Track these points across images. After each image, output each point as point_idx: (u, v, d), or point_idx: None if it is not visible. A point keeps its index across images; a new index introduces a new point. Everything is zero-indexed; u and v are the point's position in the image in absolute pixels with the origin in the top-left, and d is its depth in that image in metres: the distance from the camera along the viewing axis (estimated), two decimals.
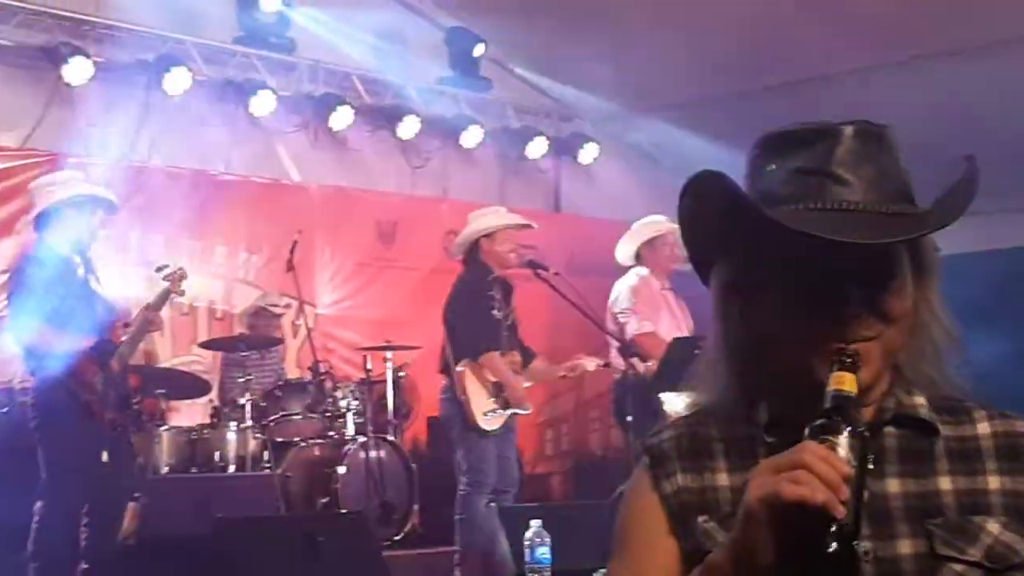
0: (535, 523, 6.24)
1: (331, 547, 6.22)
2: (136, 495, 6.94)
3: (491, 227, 8.09)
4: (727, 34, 10.58)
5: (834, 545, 1.69)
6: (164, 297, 7.25)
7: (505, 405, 7.93)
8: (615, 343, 8.28)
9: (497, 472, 7.94)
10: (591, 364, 8.20)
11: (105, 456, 5.97)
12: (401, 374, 10.23)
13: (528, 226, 8.26)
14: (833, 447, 1.74)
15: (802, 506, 1.69)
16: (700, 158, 12.32)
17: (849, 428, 1.77)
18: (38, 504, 6.53)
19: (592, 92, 12.62)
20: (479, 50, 12.18)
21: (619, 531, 2.05)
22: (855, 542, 1.71)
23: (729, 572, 1.78)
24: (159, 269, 7.41)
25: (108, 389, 6.63)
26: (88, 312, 6.62)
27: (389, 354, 9.98)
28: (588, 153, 12.93)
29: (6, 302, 9.16)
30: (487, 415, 7.89)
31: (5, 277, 9.07)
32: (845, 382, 1.83)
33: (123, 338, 6.96)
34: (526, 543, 6.22)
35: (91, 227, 6.92)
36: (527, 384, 8.15)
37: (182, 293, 7.39)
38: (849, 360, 1.84)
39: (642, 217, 9.53)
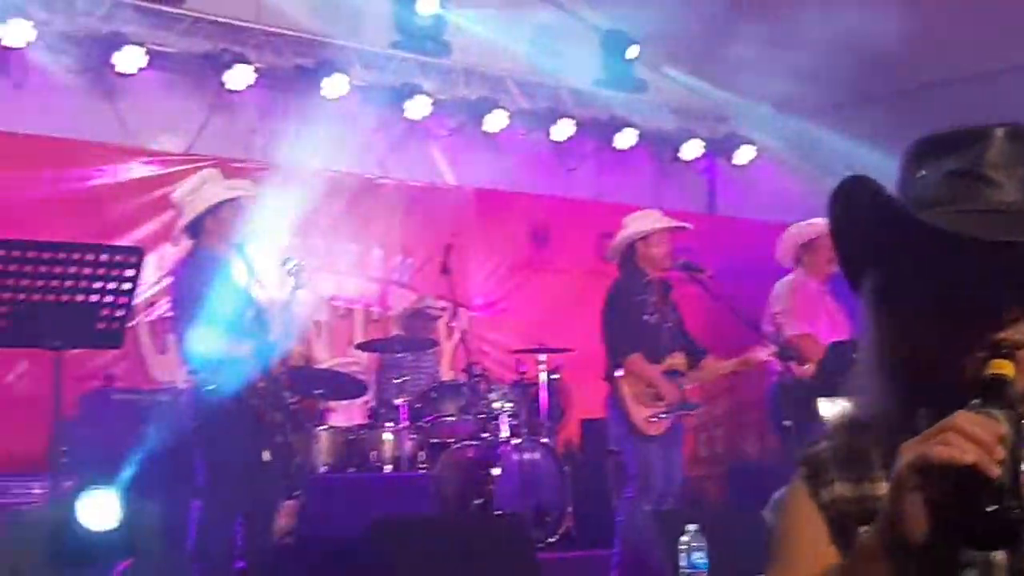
0: (691, 528, 6.18)
1: (487, 548, 6.24)
2: (296, 493, 7.03)
3: (645, 230, 8.03)
4: (886, 30, 10.37)
5: (993, 506, 1.59)
6: (293, 292, 7.25)
7: (669, 407, 7.87)
8: (772, 345, 8.15)
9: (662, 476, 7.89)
10: (764, 353, 8.06)
11: (267, 456, 6.05)
12: (554, 376, 10.22)
13: (682, 228, 8.18)
14: (989, 416, 1.67)
15: (953, 467, 1.61)
16: (857, 159, 12.28)
17: (1007, 408, 1.70)
18: (197, 503, 6.65)
19: (748, 92, 12.48)
20: (633, 52, 12.14)
21: (778, 540, 2.02)
22: (1016, 504, 1.60)
23: (880, 553, 1.71)
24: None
25: (269, 390, 6.72)
26: (249, 314, 6.70)
27: (542, 356, 9.99)
28: (744, 154, 12.81)
29: (170, 306, 9.47)
30: (650, 419, 7.83)
31: (168, 281, 9.40)
32: (1004, 367, 1.76)
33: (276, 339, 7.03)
34: (681, 548, 6.15)
35: (239, 224, 6.94)
36: (687, 385, 8.05)
37: (305, 285, 7.38)
38: (1006, 351, 1.79)
39: (800, 220, 9.41)
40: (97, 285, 5.28)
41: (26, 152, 9.16)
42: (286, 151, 10.44)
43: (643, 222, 8.12)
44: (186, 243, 6.93)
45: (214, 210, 6.78)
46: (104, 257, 5.26)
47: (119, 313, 5.38)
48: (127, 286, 5.34)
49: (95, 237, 8.91)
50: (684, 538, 6.18)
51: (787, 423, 7.88)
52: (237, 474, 6.58)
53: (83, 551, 4.34)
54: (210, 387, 6.71)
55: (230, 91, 10.01)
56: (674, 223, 8.15)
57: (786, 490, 2.07)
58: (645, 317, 7.90)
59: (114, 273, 5.30)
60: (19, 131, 9.19)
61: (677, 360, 7.98)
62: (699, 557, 6.17)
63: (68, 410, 7.59)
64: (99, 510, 4.63)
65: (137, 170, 9.67)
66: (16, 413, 8.71)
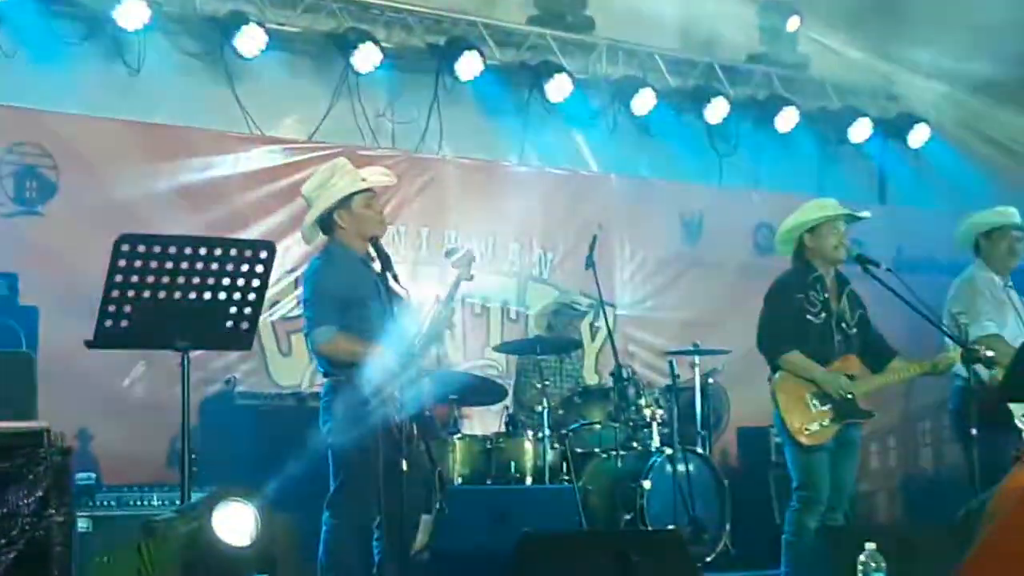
0: (870, 546, 6.09)
1: (646, 568, 6.22)
2: (438, 505, 7.06)
3: (812, 220, 7.93)
4: None
5: None
6: (456, 286, 7.27)
7: (835, 416, 7.74)
8: (959, 345, 7.99)
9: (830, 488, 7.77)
10: (958, 355, 7.90)
11: (404, 465, 6.08)
12: (710, 380, 10.20)
13: (856, 217, 8.05)
14: None
15: None
16: None
17: None
18: (327, 514, 6.72)
19: (924, 68, 12.30)
20: (794, 23, 12.02)
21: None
22: None
23: None
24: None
25: (404, 394, 6.74)
26: (384, 313, 6.72)
27: (697, 359, 9.96)
28: (918, 136, 12.61)
29: (300, 305, 9.59)
30: (807, 430, 7.71)
31: (293, 276, 9.54)
32: None
33: (417, 339, 7.04)
34: (859, 568, 6.07)
35: (374, 214, 6.97)
36: (862, 390, 7.89)
37: (471, 278, 7.38)
38: None
39: (981, 209, 9.24)
40: (226, 282, 5.35)
41: (143, 142, 9.36)
42: (416, 137, 10.56)
43: (810, 211, 8.00)
44: (318, 240, 6.98)
45: (345, 202, 6.82)
46: (234, 252, 5.34)
47: (249, 312, 5.45)
48: (258, 283, 5.41)
49: (215, 231, 9.17)
50: (861, 557, 6.08)
51: (974, 432, 7.73)
52: (371, 483, 6.62)
53: (218, 567, 4.41)
54: (335, 383, 6.78)
55: (357, 73, 10.12)
56: (847, 211, 8.02)
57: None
58: (809, 316, 7.77)
59: (244, 269, 5.37)
60: (135, 120, 9.38)
61: (849, 363, 7.84)
62: None
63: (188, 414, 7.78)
64: (235, 524, 4.70)
65: (259, 159, 9.80)
66: (133, 419, 8.91)
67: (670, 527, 8.66)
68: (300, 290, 9.48)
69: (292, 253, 9.54)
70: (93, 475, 7.85)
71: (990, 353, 7.66)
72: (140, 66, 9.46)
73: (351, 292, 6.72)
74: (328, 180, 6.89)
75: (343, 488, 6.72)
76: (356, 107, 10.31)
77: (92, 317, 5.48)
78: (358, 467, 6.58)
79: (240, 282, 5.39)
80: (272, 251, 5.45)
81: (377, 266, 6.61)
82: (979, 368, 7.72)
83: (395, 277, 6.48)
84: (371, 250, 6.72)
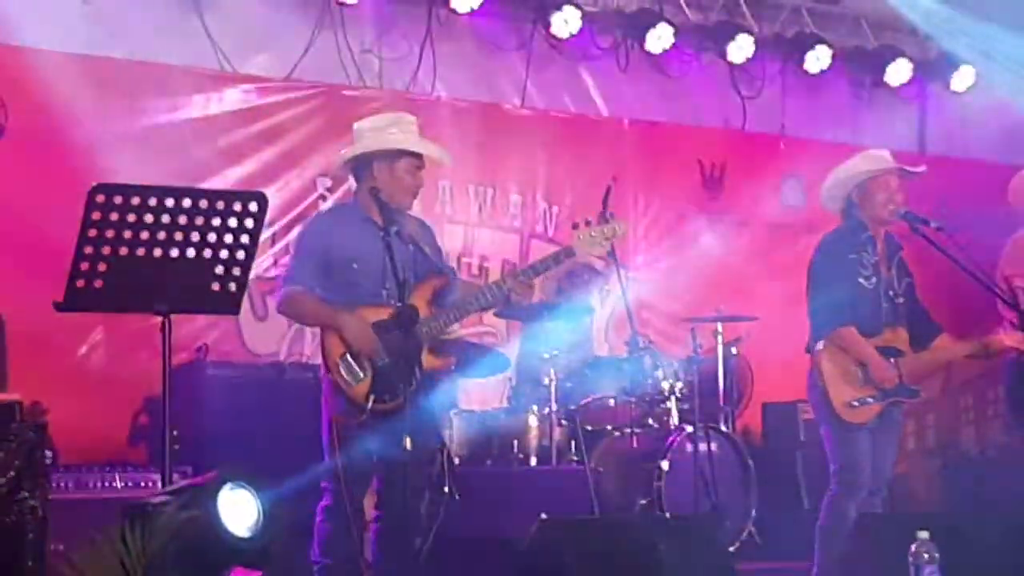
0: (923, 535, 6.07)
1: (672, 557, 6.22)
2: (447, 489, 7.07)
3: (861, 174, 7.90)
4: None
5: None
6: (499, 295, 7.20)
7: (882, 393, 7.74)
8: (1010, 315, 7.98)
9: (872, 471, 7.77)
10: (1012, 339, 7.89)
11: (408, 443, 6.05)
12: (733, 351, 10.17)
13: (909, 173, 8.01)
14: None
15: None
16: None
17: None
18: (323, 503, 6.70)
19: (967, 4, 12.27)
20: None
21: None
22: None
23: None
24: (576, 226, 7.31)
25: (393, 365, 6.71)
26: (382, 277, 6.73)
27: (720, 327, 9.93)
28: (962, 79, 12.59)
29: (275, 261, 9.55)
30: (853, 405, 7.72)
31: (270, 232, 9.49)
32: None
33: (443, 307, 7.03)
34: (911, 560, 6.06)
35: (413, 184, 7.04)
36: (907, 368, 7.88)
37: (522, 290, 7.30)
38: None
39: None
40: (212, 238, 5.29)
41: (100, 78, 9.23)
42: (407, 75, 10.48)
43: (859, 164, 7.96)
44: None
45: (393, 156, 6.86)
46: (221, 204, 5.27)
47: (237, 271, 5.39)
48: (247, 239, 5.36)
49: (181, 179, 9.09)
50: (913, 548, 6.07)
51: None
52: (369, 466, 6.63)
53: (220, 560, 4.36)
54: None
55: (341, 4, 10.04)
56: (903, 166, 7.99)
57: None
58: (861, 280, 7.76)
59: (232, 224, 5.31)
60: (91, 53, 9.27)
61: (898, 336, 7.83)
62: (932, 573, 6.06)
63: (153, 386, 7.75)
64: (238, 512, 4.66)
65: (231, 99, 9.74)
66: (89, 392, 8.85)
67: (688, 513, 8.66)
68: (278, 246, 9.63)
69: (269, 205, 9.49)
70: (49, 453, 7.79)
71: None
72: None
73: (337, 253, 6.80)
74: (387, 126, 7.03)
75: (340, 471, 6.71)
76: (340, 41, 10.20)
77: (48, 275, 5.43)
78: (353, 445, 6.60)
79: (228, 238, 5.33)
80: (264, 203, 5.41)
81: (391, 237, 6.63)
82: None
83: (399, 233, 6.53)
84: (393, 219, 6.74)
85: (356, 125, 7.09)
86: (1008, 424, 8.85)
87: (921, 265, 7.95)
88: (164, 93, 9.49)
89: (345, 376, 6.69)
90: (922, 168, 8.11)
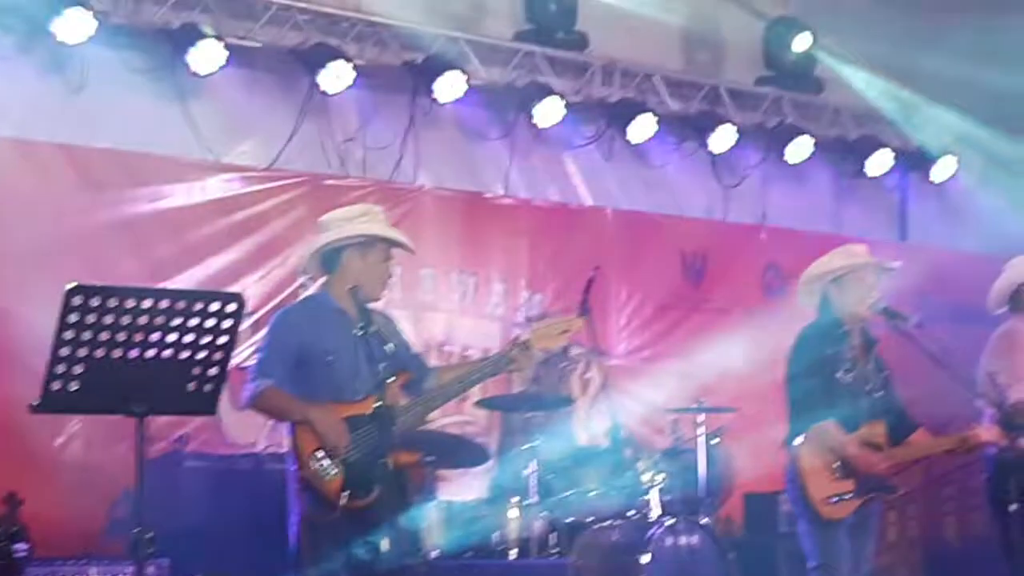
0: None
1: None
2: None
3: (838, 269, 7.91)
4: None
5: None
6: (502, 365, 7.19)
7: (859, 489, 7.71)
8: (991, 411, 7.95)
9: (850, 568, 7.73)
10: (989, 434, 7.87)
11: (386, 545, 6.00)
12: (714, 441, 10.12)
13: (885, 268, 8.03)
14: None
15: None
16: None
17: None
18: None
19: (948, 95, 12.35)
20: (804, 42, 12.02)
21: None
22: None
23: None
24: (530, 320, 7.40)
25: (366, 462, 6.69)
26: (356, 373, 6.71)
27: (701, 417, 9.90)
28: (943, 169, 12.66)
29: (256, 350, 9.49)
30: (831, 501, 7.68)
31: (252, 320, 9.44)
32: None
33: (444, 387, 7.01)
34: None
35: (383, 274, 7.01)
36: (885, 464, 7.86)
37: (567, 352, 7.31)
38: None
39: (1012, 246, 9.22)
40: (189, 339, 5.25)
41: (85, 167, 9.25)
42: (390, 165, 10.49)
43: (835, 260, 7.98)
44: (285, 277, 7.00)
45: (365, 245, 6.84)
46: (199, 306, 5.22)
47: (214, 372, 5.34)
48: (224, 340, 5.30)
49: (164, 268, 9.13)
50: None
51: (1012, 507, 7.70)
52: (341, 567, 6.57)
53: None
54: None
55: (324, 93, 10.04)
56: (879, 261, 8.00)
57: None
58: (838, 375, 7.75)
59: (209, 325, 5.26)
60: (77, 143, 9.27)
61: (876, 430, 7.81)
62: None
63: (130, 477, 7.70)
64: None
65: (214, 188, 9.71)
66: (66, 483, 8.78)
67: None
68: (259, 335, 9.56)
69: (250, 294, 9.51)
70: (26, 546, 7.73)
71: None
72: (82, 83, 9.33)
73: (310, 346, 6.74)
74: (357, 216, 6.97)
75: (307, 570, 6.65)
76: (323, 131, 10.25)
77: (24, 369, 5.38)
78: (323, 548, 6.56)
79: (205, 339, 5.27)
80: (241, 305, 5.34)
81: (360, 325, 6.60)
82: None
83: (382, 339, 6.51)
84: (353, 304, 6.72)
85: (323, 218, 7.04)
86: (989, 517, 8.77)
87: (900, 357, 7.91)
88: (147, 182, 9.46)
89: (318, 472, 6.64)
90: (898, 264, 8.12)
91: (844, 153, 12.56)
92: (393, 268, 7.07)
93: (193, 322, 5.27)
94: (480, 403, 10.05)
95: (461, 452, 9.57)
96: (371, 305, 6.86)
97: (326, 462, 6.61)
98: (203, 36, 9.47)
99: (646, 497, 9.39)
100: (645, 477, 9.42)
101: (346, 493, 6.55)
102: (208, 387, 5.38)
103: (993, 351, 8.42)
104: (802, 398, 7.78)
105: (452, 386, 7.03)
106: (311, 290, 8.80)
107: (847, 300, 7.83)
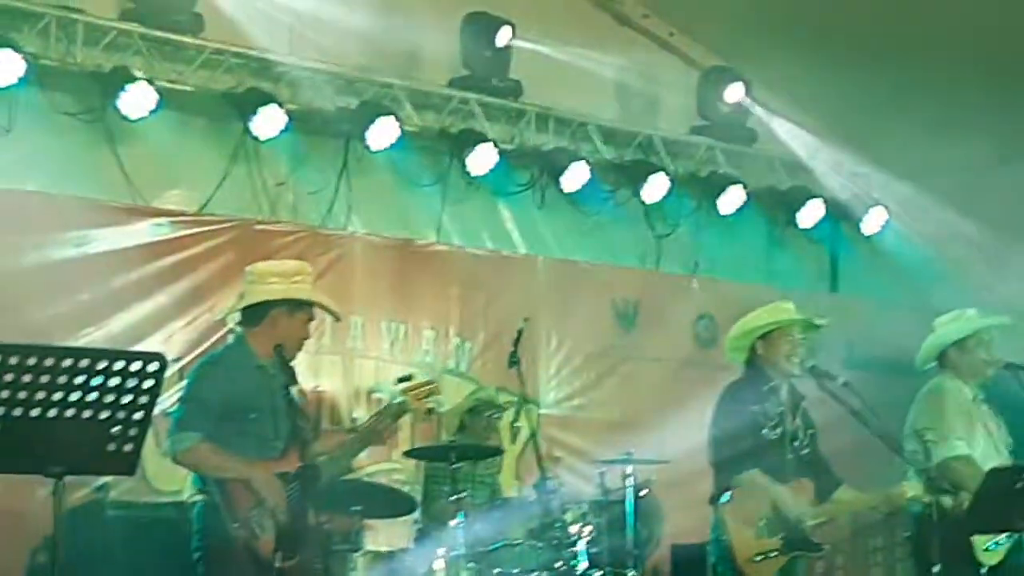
0: None
1: None
2: None
3: (766, 326, 7.93)
4: None
5: None
6: (396, 415, 7.22)
7: (784, 547, 7.70)
8: (918, 471, 7.95)
9: None
10: (913, 490, 7.89)
11: None
12: (643, 493, 10.09)
13: (814, 325, 8.07)
14: None
15: None
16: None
17: None
18: None
19: (881, 148, 12.43)
20: (737, 93, 12.06)
21: None
22: None
23: None
24: (401, 380, 7.40)
25: (269, 521, 6.65)
26: (276, 427, 6.68)
27: (629, 468, 9.86)
28: (875, 220, 12.71)
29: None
30: (756, 560, 7.67)
31: (178, 367, 9.37)
32: None
33: (330, 453, 7.00)
34: None
35: (304, 335, 7.01)
36: (820, 520, 7.88)
37: (428, 412, 7.38)
38: None
39: (944, 302, 9.22)
40: (110, 399, 5.16)
41: (11, 211, 9.10)
42: (322, 210, 10.43)
43: (763, 316, 8.00)
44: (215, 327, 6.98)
45: (289, 305, 6.84)
46: (120, 365, 5.13)
47: (134, 432, 5.24)
48: (145, 400, 5.22)
49: (89, 314, 9.07)
50: None
51: (935, 569, 7.68)
52: None
53: None
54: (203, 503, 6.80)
55: (256, 138, 9.99)
56: (806, 318, 8.02)
57: None
58: (765, 431, 7.76)
59: (130, 385, 5.17)
60: (4, 186, 9.16)
61: (805, 487, 7.82)
62: None
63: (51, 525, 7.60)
64: None
65: (142, 232, 9.59)
66: None
67: None
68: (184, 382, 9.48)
69: (177, 340, 9.47)
70: None
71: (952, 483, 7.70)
72: (10, 125, 9.23)
73: (233, 402, 6.76)
74: (292, 274, 6.98)
75: None
76: (255, 176, 10.19)
77: None
78: None
79: (126, 399, 5.18)
80: (163, 364, 5.24)
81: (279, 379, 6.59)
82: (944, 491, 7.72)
83: (300, 391, 6.47)
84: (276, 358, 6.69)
85: (255, 268, 7.04)
86: (914, 572, 8.78)
87: (829, 412, 7.90)
88: (75, 226, 9.33)
89: (255, 530, 6.60)
90: (825, 320, 8.16)
91: (776, 204, 12.61)
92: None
93: (114, 381, 5.17)
94: (408, 453, 10.01)
95: (388, 502, 9.47)
96: None
97: (264, 520, 6.59)
98: (134, 79, 9.40)
99: (573, 549, 9.36)
100: (572, 529, 9.37)
101: (278, 552, 6.53)
102: (128, 447, 5.26)
103: (921, 409, 8.41)
104: (728, 453, 7.79)
105: (341, 450, 7.13)
106: (230, 339, 8.82)
107: (776, 355, 7.86)
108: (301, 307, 6.87)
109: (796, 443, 7.85)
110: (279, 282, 6.94)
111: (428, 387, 7.25)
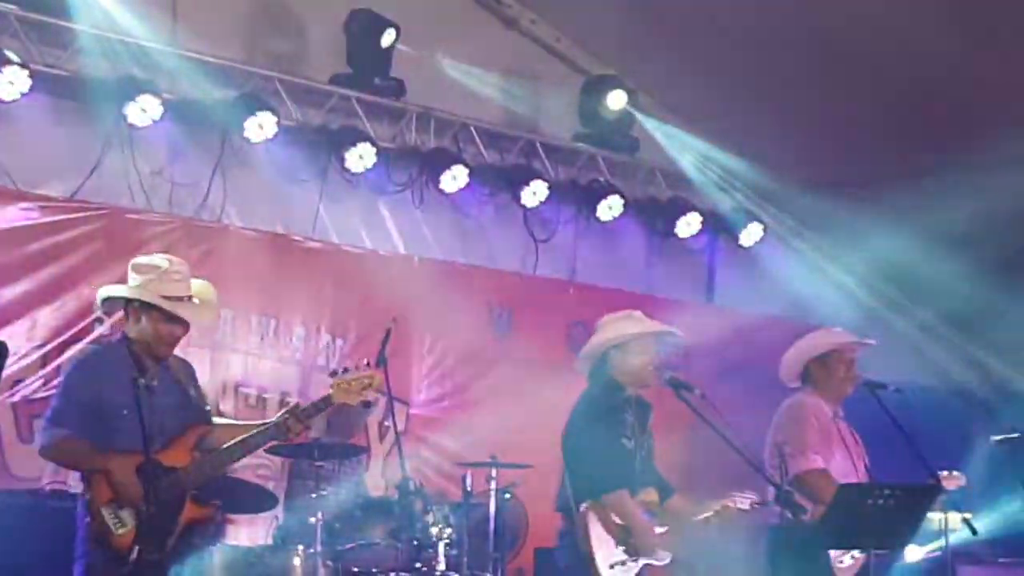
0: None
1: None
2: None
3: (622, 337, 7.95)
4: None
5: None
6: (314, 412, 7.17)
7: (635, 553, 7.74)
8: (772, 485, 7.99)
9: None
10: (745, 503, 7.95)
11: None
12: (507, 495, 10.08)
13: (669, 334, 8.11)
14: None
15: None
16: (884, 248, 12.32)
17: None
18: None
19: (759, 161, 12.50)
20: (620, 101, 12.05)
21: None
22: None
23: None
24: (335, 373, 7.34)
25: (129, 514, 6.63)
26: (140, 422, 6.63)
27: (494, 471, 9.84)
28: (751, 233, 12.79)
29: (44, 382, 9.30)
30: (614, 567, 7.70)
31: (41, 352, 9.25)
32: None
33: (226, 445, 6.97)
34: None
35: (179, 335, 7.06)
36: (661, 529, 7.93)
37: (366, 406, 7.31)
38: None
39: (814, 313, 9.26)
40: None
41: None
42: (196, 201, 10.31)
43: (620, 325, 8.03)
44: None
45: (162, 312, 6.91)
46: None
47: None
48: None
49: None
50: None
51: None
52: None
53: None
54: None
55: (132, 125, 9.84)
56: (659, 328, 8.06)
57: None
58: (623, 440, 7.79)
59: None
60: None
61: (651, 497, 7.87)
62: None
63: None
64: None
65: (10, 216, 9.40)
66: None
67: None
68: (49, 367, 9.34)
69: (43, 325, 9.37)
70: None
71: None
72: None
73: (107, 399, 6.78)
74: (172, 271, 6.99)
75: None
76: (129, 164, 10.02)
77: None
78: None
79: None
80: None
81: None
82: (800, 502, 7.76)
83: (147, 387, 6.45)
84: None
85: (138, 261, 7.09)
86: None
87: (689, 423, 7.90)
88: None
89: (111, 524, 6.57)
90: (677, 331, 8.21)
91: (656, 213, 12.62)
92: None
93: None
94: (272, 450, 9.90)
95: (250, 497, 9.41)
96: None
97: (121, 514, 6.57)
98: (8, 62, 9.22)
99: (433, 551, 9.32)
100: (434, 530, 9.33)
101: (136, 548, 6.50)
102: None
103: (780, 423, 8.49)
104: (590, 464, 7.80)
105: (235, 449, 7.08)
106: (104, 329, 8.71)
107: (631, 366, 7.89)
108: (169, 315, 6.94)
109: (644, 454, 7.93)
110: (157, 281, 6.97)
111: (365, 380, 7.15)
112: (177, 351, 7.27)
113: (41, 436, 6.96)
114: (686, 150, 12.63)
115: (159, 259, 7.18)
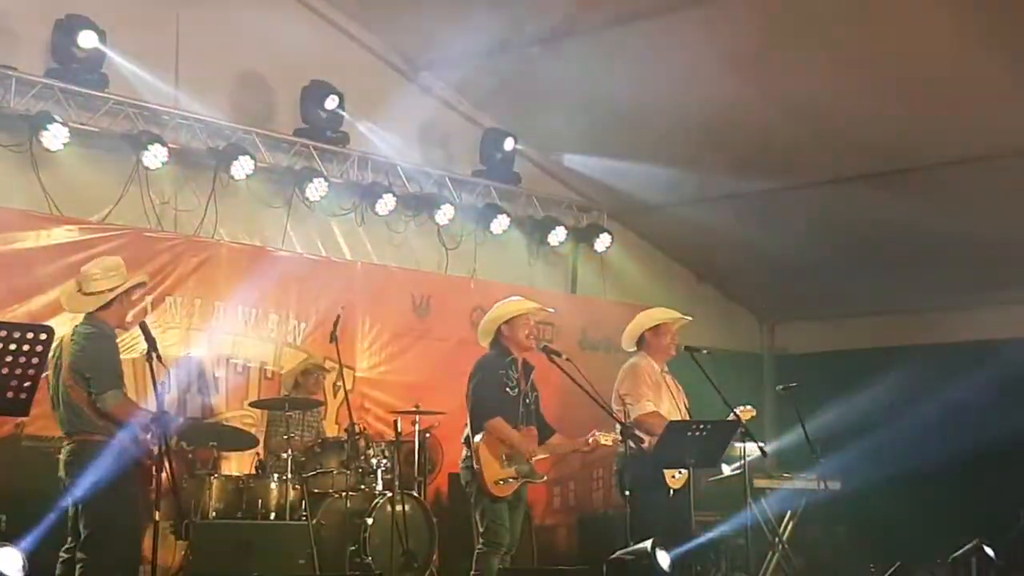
0: None
1: None
2: None
3: (509, 314, 8.08)
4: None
5: None
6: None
7: (517, 474, 7.87)
8: (619, 425, 8.15)
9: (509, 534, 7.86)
10: (606, 439, 8.09)
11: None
12: (427, 435, 10.20)
13: (543, 311, 8.26)
14: None
15: None
16: (705, 250, 12.52)
17: None
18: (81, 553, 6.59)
19: (610, 186, 12.67)
20: (509, 144, 12.17)
21: None
22: None
23: None
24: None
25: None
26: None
27: (417, 417, 9.96)
28: (602, 242, 12.96)
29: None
30: (499, 483, 7.82)
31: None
32: None
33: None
34: None
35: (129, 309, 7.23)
36: (541, 456, 8.07)
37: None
38: None
39: (647, 298, 9.41)
40: (8, 359, 5.10)
41: None
42: (196, 223, 10.32)
43: (507, 306, 8.16)
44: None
45: (124, 292, 6.87)
46: (16, 335, 5.09)
47: (27, 384, 5.20)
48: (36, 361, 5.17)
49: (23, 295, 8.91)
50: None
51: (627, 493, 7.88)
52: (123, 530, 6.49)
53: None
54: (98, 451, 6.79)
55: (146, 168, 9.82)
56: (535, 306, 8.19)
57: None
58: (507, 390, 7.92)
59: (25, 349, 5.13)
60: None
61: (531, 432, 8.00)
62: None
63: None
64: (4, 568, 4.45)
65: (57, 236, 9.34)
66: None
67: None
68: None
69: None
70: None
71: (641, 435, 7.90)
72: None
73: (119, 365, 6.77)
74: (110, 269, 7.12)
75: (93, 533, 6.55)
76: (145, 196, 9.99)
77: None
78: (110, 513, 6.48)
79: (21, 359, 5.13)
80: (50, 335, 5.22)
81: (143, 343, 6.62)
82: (639, 436, 7.90)
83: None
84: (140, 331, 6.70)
85: (82, 270, 7.30)
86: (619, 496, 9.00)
87: (562, 381, 8.00)
88: (9, 229, 9.12)
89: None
90: (552, 309, 8.35)
91: (534, 228, 12.74)
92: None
93: (13, 346, 5.13)
94: (253, 403, 9.97)
95: (238, 439, 9.48)
96: None
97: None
98: (53, 121, 9.21)
99: (373, 475, 9.43)
100: (373, 461, 9.46)
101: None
102: (22, 396, 5.23)
103: (622, 378, 8.61)
104: (480, 404, 7.92)
105: None
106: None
107: (515, 336, 8.02)
108: (130, 291, 7.17)
109: (527, 401, 8.03)
110: (121, 275, 7.13)
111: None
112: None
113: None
114: (556, 184, 12.82)
115: (110, 260, 7.39)
